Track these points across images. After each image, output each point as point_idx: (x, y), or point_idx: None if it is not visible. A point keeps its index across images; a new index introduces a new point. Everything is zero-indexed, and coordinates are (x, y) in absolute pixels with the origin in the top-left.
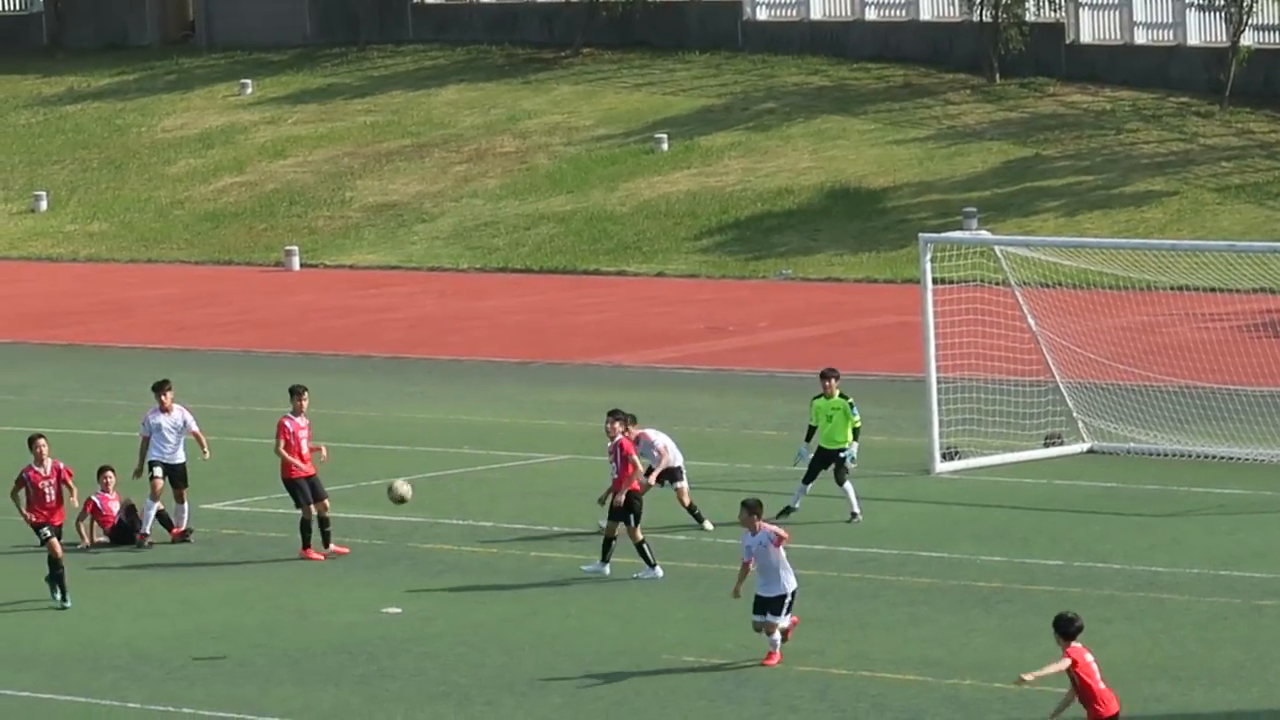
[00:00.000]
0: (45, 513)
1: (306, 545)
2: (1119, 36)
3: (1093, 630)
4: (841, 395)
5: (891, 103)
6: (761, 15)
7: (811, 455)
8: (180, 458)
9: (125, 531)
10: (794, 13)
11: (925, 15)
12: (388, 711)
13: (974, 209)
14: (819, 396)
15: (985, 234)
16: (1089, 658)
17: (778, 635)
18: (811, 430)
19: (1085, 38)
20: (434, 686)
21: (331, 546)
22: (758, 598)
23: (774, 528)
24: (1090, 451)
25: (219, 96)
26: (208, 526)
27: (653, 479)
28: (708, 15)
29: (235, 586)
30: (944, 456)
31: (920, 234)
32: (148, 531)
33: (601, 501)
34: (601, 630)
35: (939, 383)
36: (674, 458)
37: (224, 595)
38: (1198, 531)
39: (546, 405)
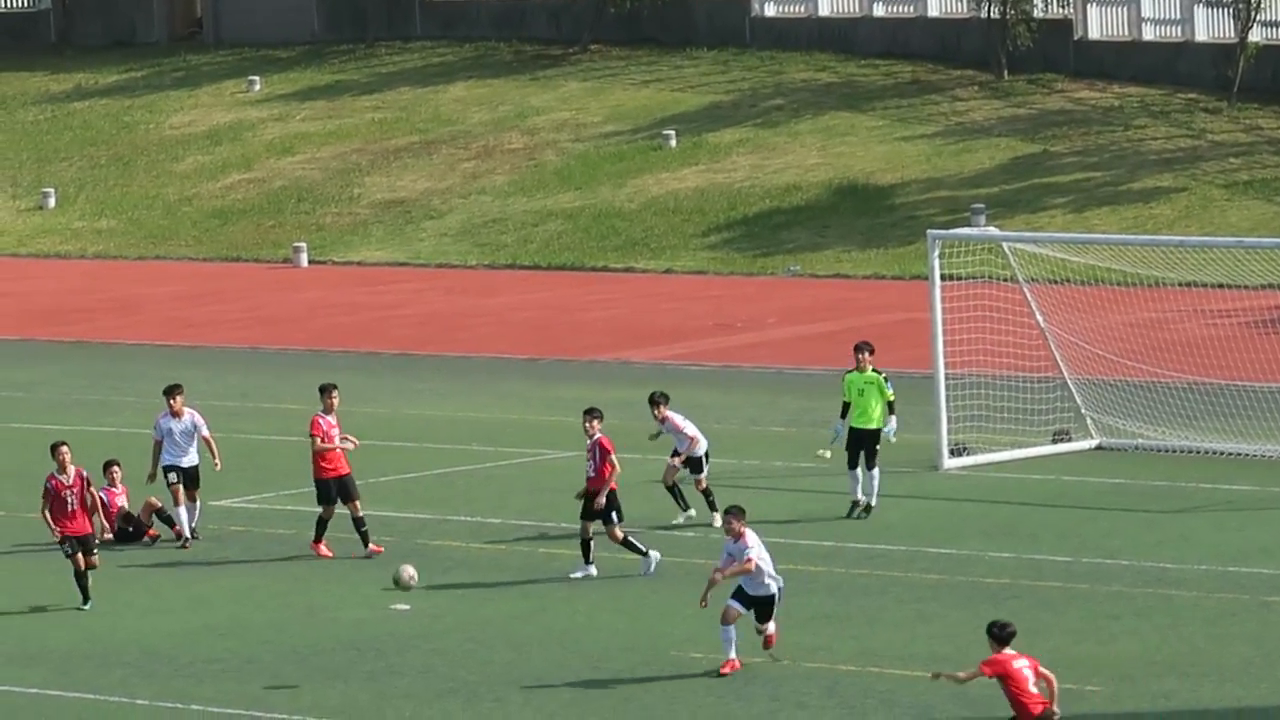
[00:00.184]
0: (67, 521)
1: (318, 540)
2: (1127, 33)
3: (1100, 626)
4: (875, 370)
5: (899, 99)
6: (769, 11)
7: (845, 434)
8: (193, 460)
9: (128, 535)
10: (802, 9)
11: (933, 11)
12: (396, 708)
13: (982, 205)
14: (851, 371)
15: (993, 230)
16: (1017, 665)
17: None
18: (846, 407)
19: (1093, 34)
20: (442, 683)
21: (370, 546)
22: (743, 592)
23: (748, 543)
24: (1098, 448)
25: (227, 93)
26: (216, 523)
27: (678, 461)
28: (715, 11)
29: (243, 583)
30: (952, 453)
31: (928, 230)
32: (189, 534)
33: (579, 498)
34: (610, 627)
35: (947, 379)
36: (699, 447)
37: (232, 592)
38: (1206, 528)
39: (555, 402)
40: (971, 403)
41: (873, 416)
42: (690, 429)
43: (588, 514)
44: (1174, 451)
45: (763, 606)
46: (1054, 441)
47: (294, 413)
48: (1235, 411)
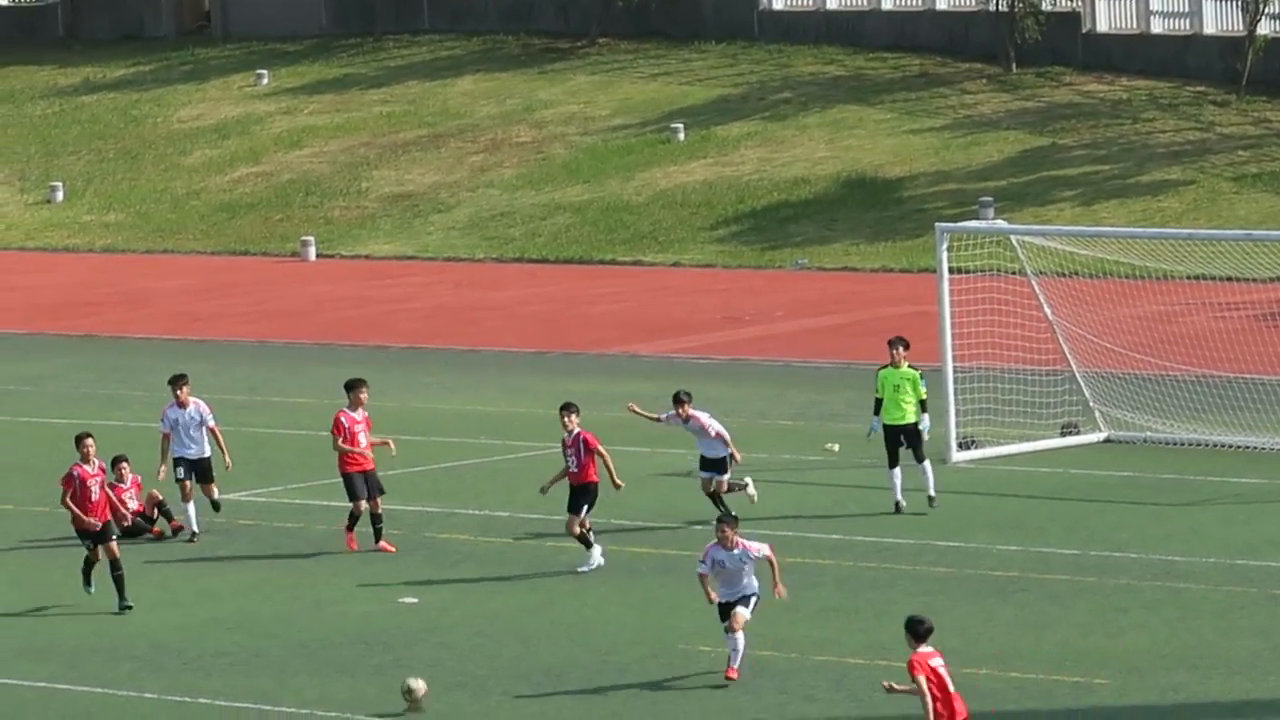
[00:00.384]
0: (93, 508)
1: (350, 529)
2: (1135, 25)
3: (1108, 619)
4: (911, 366)
5: (908, 92)
6: (777, 4)
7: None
8: (204, 451)
9: (134, 531)
10: (810, 2)
11: (941, 4)
12: (404, 701)
13: (990, 198)
14: (885, 367)
15: (1001, 223)
16: (935, 662)
17: (740, 642)
18: (879, 403)
19: (1101, 27)
20: (450, 677)
21: (380, 543)
22: (721, 606)
23: (754, 550)
24: (1107, 441)
25: (235, 87)
26: (224, 517)
27: (736, 453)
28: (723, 5)
29: (251, 577)
30: (960, 446)
31: (936, 223)
32: (196, 530)
33: (543, 491)
34: (618, 620)
35: (955, 372)
36: (724, 447)
37: (240, 586)
38: (1214, 521)
39: (563, 395)
40: (979, 396)
41: (908, 412)
42: (716, 426)
43: (575, 508)
44: (1182, 444)
45: (743, 603)
46: (1062, 434)
47: (302, 406)
48: (1244, 404)
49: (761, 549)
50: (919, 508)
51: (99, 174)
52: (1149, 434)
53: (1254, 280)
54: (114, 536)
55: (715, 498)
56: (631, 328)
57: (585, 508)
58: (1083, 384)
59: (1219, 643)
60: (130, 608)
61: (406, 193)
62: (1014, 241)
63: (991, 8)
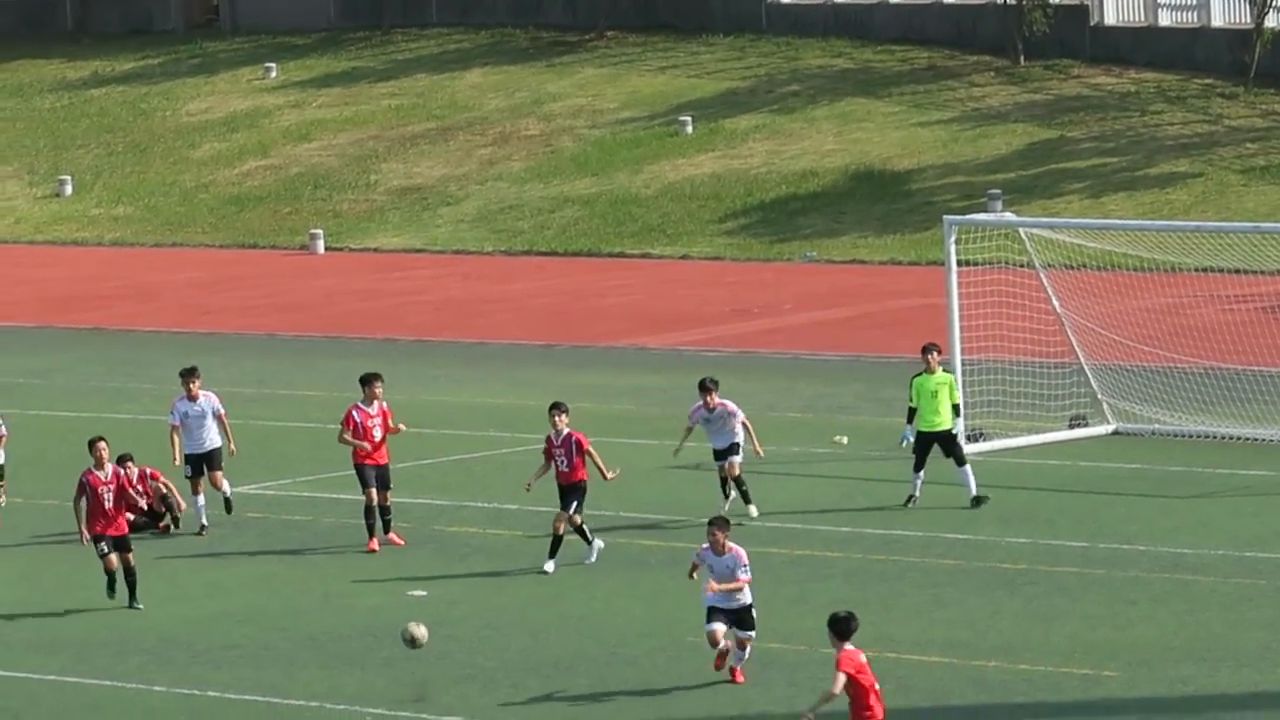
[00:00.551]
0: (104, 522)
1: (372, 535)
2: (1143, 18)
3: (1117, 611)
4: (945, 370)
5: (916, 85)
6: None
7: (914, 438)
8: (214, 443)
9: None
10: None
11: None
12: (413, 694)
13: (998, 191)
14: (919, 374)
15: (1010, 216)
16: (863, 659)
17: (746, 653)
18: (912, 412)
19: (1109, 19)
20: (459, 669)
21: (390, 535)
22: (712, 609)
23: (744, 561)
24: (1115, 433)
25: (243, 80)
26: (233, 510)
27: (759, 447)
28: None
29: (260, 570)
30: (969, 438)
31: (945, 216)
32: (205, 523)
33: (527, 488)
34: (627, 612)
35: (964, 365)
36: (731, 434)
37: (249, 579)
38: (1223, 513)
39: (571, 388)
40: (988, 388)
41: (944, 418)
42: (742, 415)
43: (566, 506)
44: (1190, 437)
45: (743, 614)
46: (1070, 427)
47: (311, 399)
48: (1252, 396)
49: (748, 574)
50: (927, 502)
51: (108, 167)
52: (1157, 426)
53: (1262, 272)
54: (130, 549)
55: (737, 482)
56: (640, 320)
57: (575, 504)
58: (1091, 376)
59: (1228, 635)
60: (139, 608)
61: (415, 186)
62: (1022, 234)
63: (999, 0)
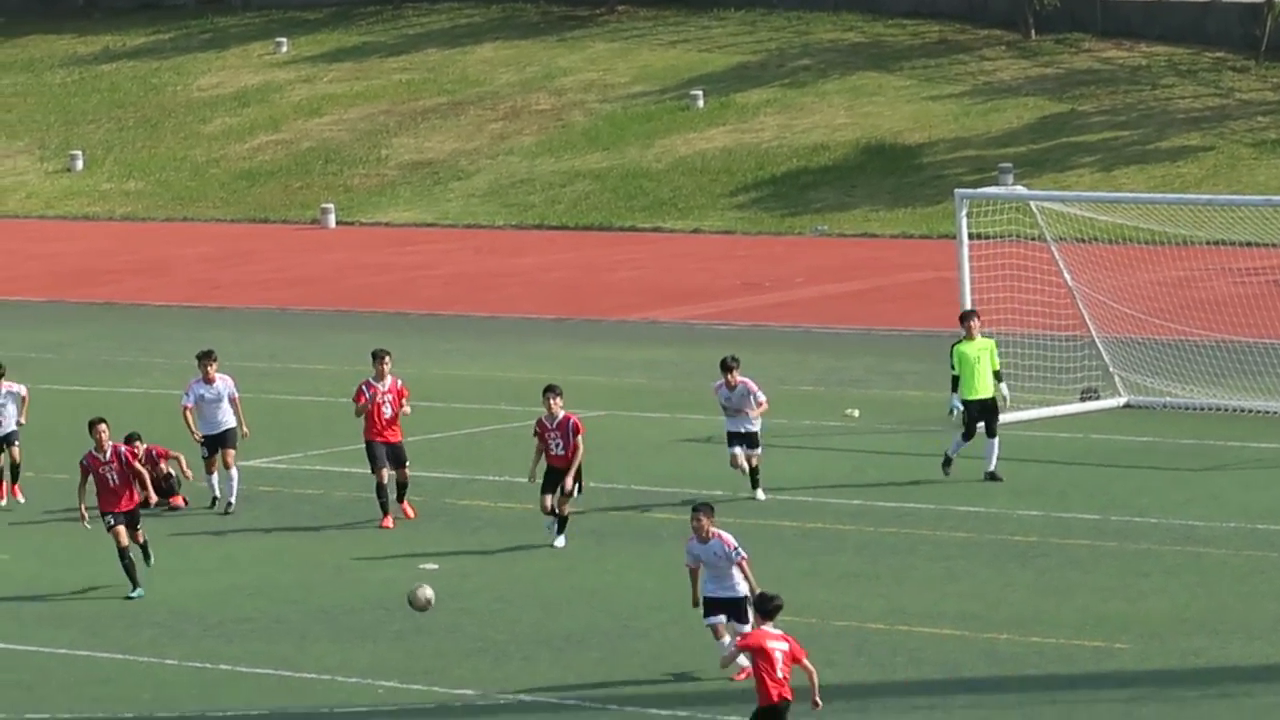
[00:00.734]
0: (112, 499)
1: (385, 512)
2: None
3: (1129, 584)
4: (985, 335)
5: (927, 59)
6: None
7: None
8: (228, 424)
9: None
10: None
11: None
12: (424, 667)
13: (1010, 164)
14: (960, 341)
15: (1021, 189)
16: (771, 644)
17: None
18: (955, 380)
19: None
20: (471, 642)
21: (403, 504)
22: (709, 599)
23: (732, 544)
24: (1127, 406)
25: (254, 55)
26: (245, 484)
27: (764, 409)
28: None
29: (272, 544)
30: (1082, 396)
31: (956, 190)
32: (231, 500)
33: (532, 479)
34: (639, 586)
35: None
36: (751, 421)
37: (261, 552)
38: (1234, 485)
39: (583, 362)
40: (1000, 361)
41: (987, 385)
42: (762, 396)
43: (550, 488)
44: (1202, 409)
45: (737, 607)
46: (1082, 400)
47: (322, 373)
48: (1263, 369)
49: (742, 553)
50: (940, 475)
51: (119, 142)
52: (1169, 399)
53: (1273, 245)
54: (139, 524)
55: (753, 473)
56: (651, 294)
57: (564, 491)
58: (1102, 349)
59: (1239, 607)
60: (140, 596)
61: (426, 160)
62: (1033, 207)
63: None
